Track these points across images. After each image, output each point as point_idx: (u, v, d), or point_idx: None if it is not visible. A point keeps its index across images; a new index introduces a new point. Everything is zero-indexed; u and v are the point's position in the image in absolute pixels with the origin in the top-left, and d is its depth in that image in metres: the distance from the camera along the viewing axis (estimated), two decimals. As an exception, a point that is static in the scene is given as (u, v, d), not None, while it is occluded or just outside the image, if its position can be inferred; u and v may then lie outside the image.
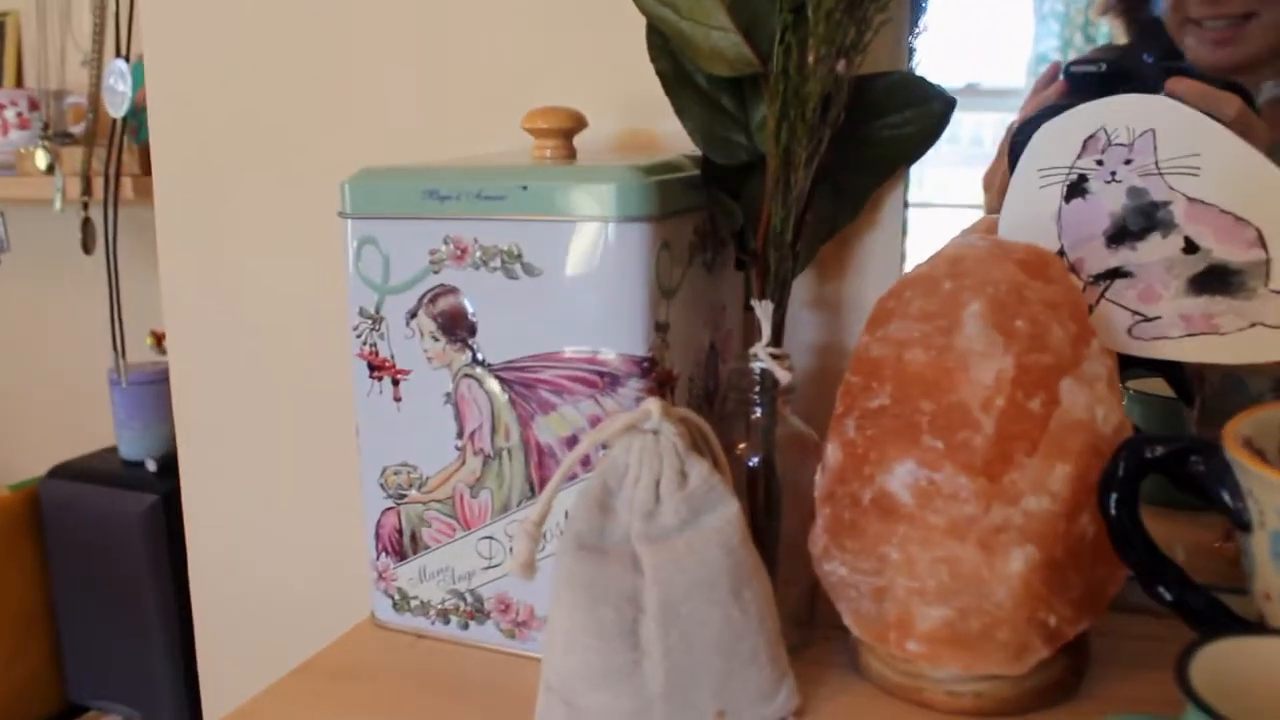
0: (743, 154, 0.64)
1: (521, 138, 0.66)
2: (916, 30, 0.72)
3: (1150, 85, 0.77)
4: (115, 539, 1.65)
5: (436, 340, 0.63)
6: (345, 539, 0.86)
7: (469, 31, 0.82)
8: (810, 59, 0.58)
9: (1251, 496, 0.53)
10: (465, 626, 0.66)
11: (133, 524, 1.64)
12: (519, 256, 0.60)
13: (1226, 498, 0.54)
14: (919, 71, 0.72)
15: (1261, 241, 0.63)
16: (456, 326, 0.62)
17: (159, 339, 1.82)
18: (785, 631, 0.59)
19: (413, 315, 0.63)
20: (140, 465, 1.73)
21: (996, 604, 0.55)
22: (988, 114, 0.83)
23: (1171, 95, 0.75)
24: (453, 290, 0.62)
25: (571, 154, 0.66)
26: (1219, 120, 0.73)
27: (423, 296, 0.63)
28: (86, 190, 1.68)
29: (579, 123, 0.66)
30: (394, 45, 0.85)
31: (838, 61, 0.58)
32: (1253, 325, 0.64)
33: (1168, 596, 0.56)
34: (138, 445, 1.74)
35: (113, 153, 1.65)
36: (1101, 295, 0.66)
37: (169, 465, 1.68)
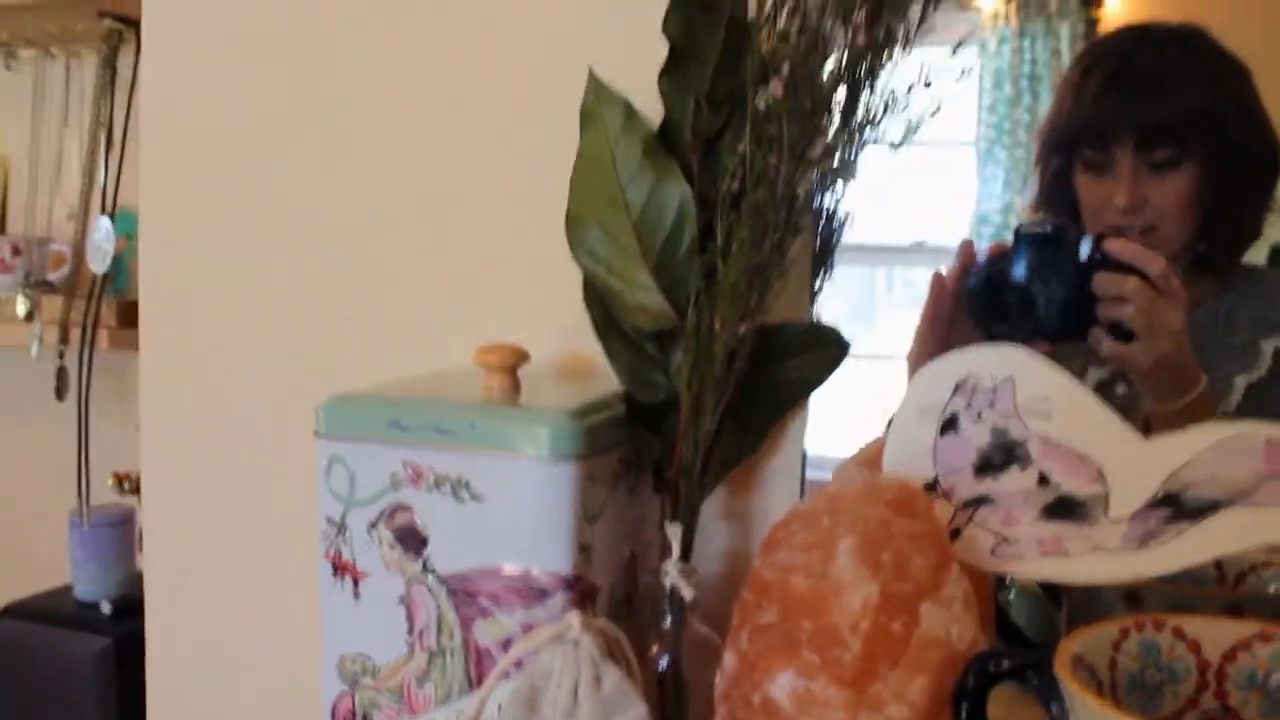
0: (662, 393, 0.75)
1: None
2: (818, 284, 0.85)
3: (1088, 247, 0.91)
4: (66, 680, 1.68)
5: (393, 549, 0.73)
6: (303, 709, 0.93)
7: (433, 264, 0.94)
8: (717, 324, 0.69)
9: (1074, 713, 0.63)
10: (411, 805, 0.75)
11: (85, 665, 1.67)
12: (466, 484, 0.70)
13: (1056, 711, 0.64)
14: (819, 318, 0.84)
15: (1101, 477, 0.74)
16: (411, 539, 0.72)
17: (120, 480, 1.89)
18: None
19: (373, 526, 0.73)
20: (95, 607, 1.77)
21: (863, 799, 0.65)
22: (933, 268, 0.97)
23: (1109, 252, 0.90)
24: (408, 508, 0.72)
25: (515, 386, 0.76)
26: (1147, 276, 0.88)
27: (383, 511, 0.73)
28: (63, 339, 1.78)
29: (521, 358, 0.76)
30: (366, 276, 0.96)
31: (741, 325, 0.70)
32: (1095, 549, 0.74)
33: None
34: (94, 586, 1.79)
35: (91, 304, 1.75)
36: (969, 520, 0.77)
37: (123, 608, 1.74)
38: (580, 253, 0.76)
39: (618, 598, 0.76)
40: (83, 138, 1.80)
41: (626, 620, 0.75)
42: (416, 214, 0.95)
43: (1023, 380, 0.76)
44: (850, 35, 0.68)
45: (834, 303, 1.09)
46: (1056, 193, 1.05)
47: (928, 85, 0.71)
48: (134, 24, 1.65)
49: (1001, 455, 0.76)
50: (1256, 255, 1.03)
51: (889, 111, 0.70)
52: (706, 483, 0.74)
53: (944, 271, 0.96)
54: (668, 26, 0.74)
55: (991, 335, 0.93)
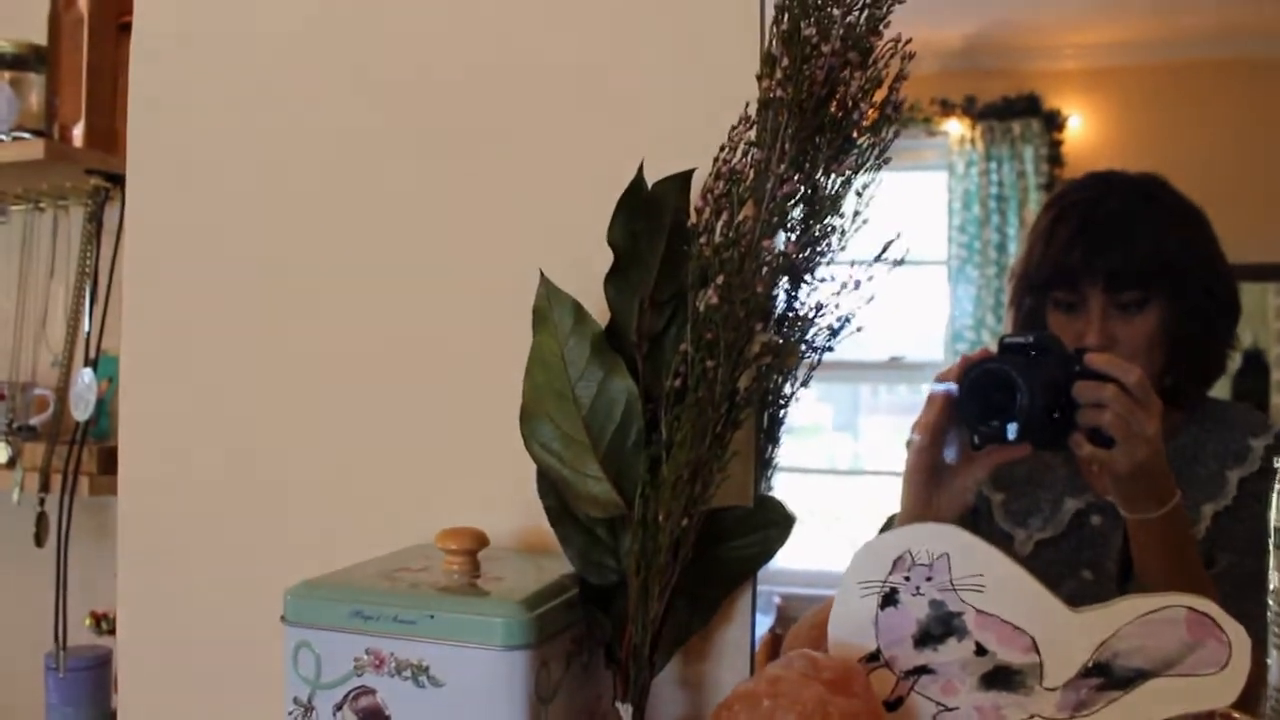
0: (613, 576, 0.79)
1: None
2: (767, 468, 0.89)
3: (1068, 358, 0.97)
4: (43, 828, 1.68)
5: (357, 731, 0.76)
6: None
7: (395, 447, 0.99)
8: (661, 516, 0.73)
9: None
10: None
11: (62, 812, 1.68)
12: (426, 669, 0.73)
13: None
14: (768, 496, 0.88)
15: (1035, 647, 0.78)
16: (373, 720, 0.75)
17: (98, 619, 1.90)
18: None
19: (339, 708, 0.76)
20: (71, 753, 1.78)
21: None
22: (910, 384, 1.01)
23: (1090, 366, 0.95)
24: (372, 691, 0.75)
25: (475, 567, 0.80)
26: (1122, 384, 0.93)
27: (348, 694, 0.76)
28: (45, 486, 1.80)
29: (481, 542, 0.80)
30: (340, 458, 1.01)
31: (684, 517, 0.74)
32: (1031, 717, 0.78)
33: None
34: (70, 731, 1.79)
35: (74, 451, 1.78)
36: (911, 689, 0.80)
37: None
38: (534, 445, 0.80)
39: (573, 775, 0.79)
40: (68, 287, 1.85)
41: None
42: (386, 403, 1.00)
43: (958, 556, 0.80)
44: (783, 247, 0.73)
45: (820, 409, 1.14)
46: (1029, 329, 1.11)
47: (857, 286, 0.77)
48: (119, 179, 1.71)
49: (940, 627, 0.79)
50: (1221, 390, 1.08)
51: (820, 313, 0.75)
52: (657, 661, 0.77)
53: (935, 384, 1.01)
54: (612, 234, 0.79)
55: (980, 434, 0.97)
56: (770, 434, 0.91)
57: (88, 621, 1.94)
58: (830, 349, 0.83)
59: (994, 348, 1.00)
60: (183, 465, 1.08)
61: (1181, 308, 1.04)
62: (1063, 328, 1.08)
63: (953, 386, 0.98)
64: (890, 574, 0.81)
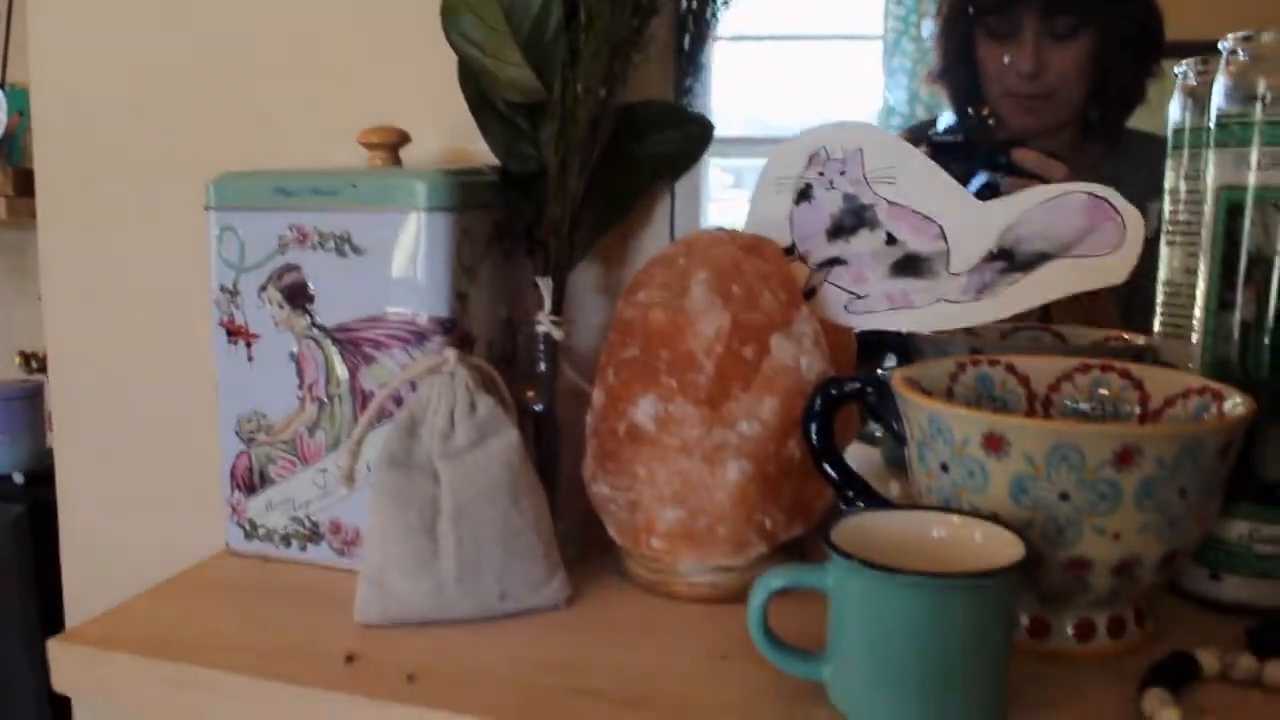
0: (534, 164, 0.80)
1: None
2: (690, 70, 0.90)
3: (998, 153, 1.01)
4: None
5: (282, 308, 0.77)
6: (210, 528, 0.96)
7: (318, 69, 0.97)
8: (579, 89, 0.74)
9: (907, 418, 0.70)
10: (304, 548, 0.80)
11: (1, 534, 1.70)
12: (348, 239, 0.75)
13: (891, 421, 0.71)
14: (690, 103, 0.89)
15: (943, 235, 0.81)
16: (299, 296, 0.77)
17: (27, 358, 1.91)
18: (564, 548, 0.74)
19: (263, 289, 0.78)
20: (7, 478, 1.80)
21: (718, 505, 0.71)
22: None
23: (1016, 162, 0.99)
24: (296, 268, 0.77)
25: (397, 163, 0.81)
26: (1048, 182, 0.94)
27: (272, 273, 0.77)
28: (-43, 212, 1.77)
29: (403, 138, 0.81)
30: (253, 90, 1.00)
31: (601, 90, 0.75)
32: (938, 301, 0.81)
33: (857, 501, 0.72)
34: (4, 459, 1.81)
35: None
36: (824, 279, 0.83)
37: (35, 478, 1.76)
38: (454, 35, 0.80)
39: (496, 354, 0.81)
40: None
41: (508, 376, 0.80)
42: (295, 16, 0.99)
43: (870, 151, 0.82)
44: None
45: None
46: (958, 62, 1.13)
47: None
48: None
49: (852, 219, 0.82)
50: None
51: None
52: (576, 243, 0.79)
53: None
54: None
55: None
56: (691, 55, 0.91)
57: (16, 360, 1.93)
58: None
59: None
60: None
61: (1111, 35, 1.06)
62: (993, 58, 1.10)
63: None
64: (806, 170, 0.83)
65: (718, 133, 0.88)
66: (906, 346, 0.93)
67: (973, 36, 1.11)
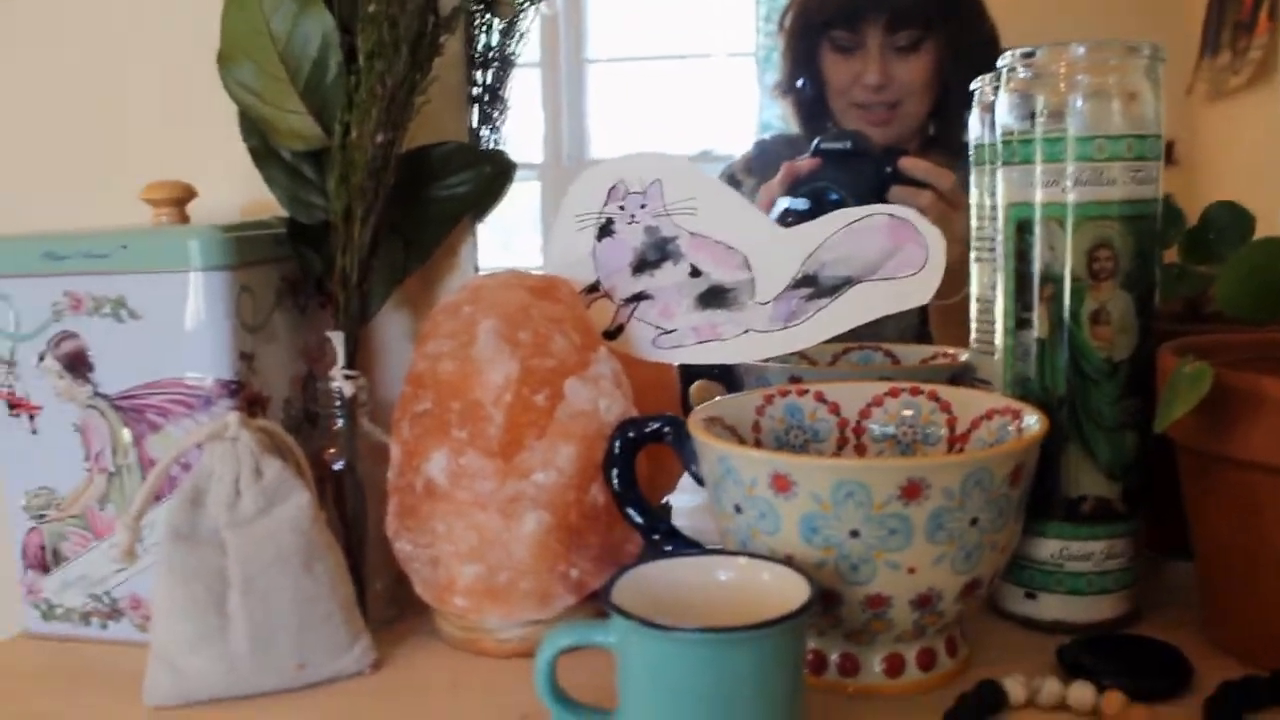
0: (321, 214, 0.78)
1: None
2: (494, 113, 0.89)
3: (882, 161, 1.03)
4: None
5: (62, 378, 0.74)
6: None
7: (110, 119, 0.94)
8: (355, 134, 0.72)
9: (702, 458, 0.69)
10: (105, 626, 0.77)
11: None
12: (124, 303, 0.72)
13: (689, 462, 0.70)
14: (487, 142, 0.88)
15: (747, 265, 0.80)
16: (78, 365, 0.74)
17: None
18: (378, 609, 0.72)
19: (41, 358, 0.74)
20: None
21: (518, 559, 0.69)
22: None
23: (903, 170, 1.01)
24: (74, 335, 0.74)
25: (184, 219, 0.78)
26: (937, 190, 0.99)
27: (49, 341, 0.74)
28: None
29: (188, 192, 0.78)
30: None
31: (379, 134, 0.73)
32: (745, 331, 0.80)
33: (664, 545, 0.71)
34: None
35: None
36: (631, 315, 0.82)
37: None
38: (232, 84, 0.78)
39: (294, 412, 0.79)
40: None
41: (310, 433, 0.78)
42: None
43: (670, 181, 0.81)
44: None
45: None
46: (804, 76, 1.14)
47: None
48: None
49: (655, 252, 0.81)
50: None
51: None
52: (370, 293, 0.77)
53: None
54: None
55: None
56: (491, 100, 0.90)
57: None
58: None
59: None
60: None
61: (952, 48, 1.08)
62: (840, 70, 1.12)
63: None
64: (605, 204, 0.82)
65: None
66: (730, 378, 0.92)
67: (818, 50, 1.12)
